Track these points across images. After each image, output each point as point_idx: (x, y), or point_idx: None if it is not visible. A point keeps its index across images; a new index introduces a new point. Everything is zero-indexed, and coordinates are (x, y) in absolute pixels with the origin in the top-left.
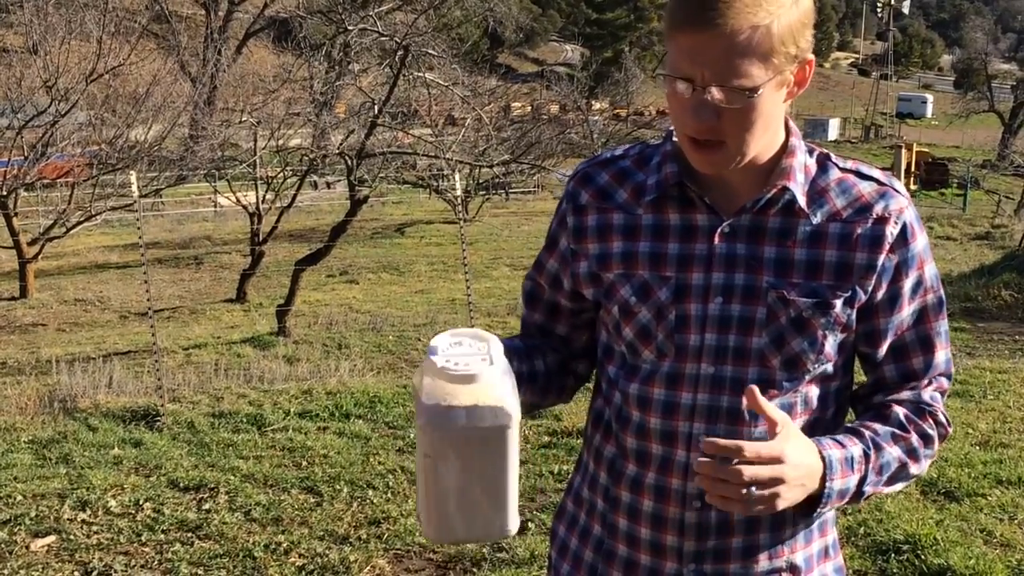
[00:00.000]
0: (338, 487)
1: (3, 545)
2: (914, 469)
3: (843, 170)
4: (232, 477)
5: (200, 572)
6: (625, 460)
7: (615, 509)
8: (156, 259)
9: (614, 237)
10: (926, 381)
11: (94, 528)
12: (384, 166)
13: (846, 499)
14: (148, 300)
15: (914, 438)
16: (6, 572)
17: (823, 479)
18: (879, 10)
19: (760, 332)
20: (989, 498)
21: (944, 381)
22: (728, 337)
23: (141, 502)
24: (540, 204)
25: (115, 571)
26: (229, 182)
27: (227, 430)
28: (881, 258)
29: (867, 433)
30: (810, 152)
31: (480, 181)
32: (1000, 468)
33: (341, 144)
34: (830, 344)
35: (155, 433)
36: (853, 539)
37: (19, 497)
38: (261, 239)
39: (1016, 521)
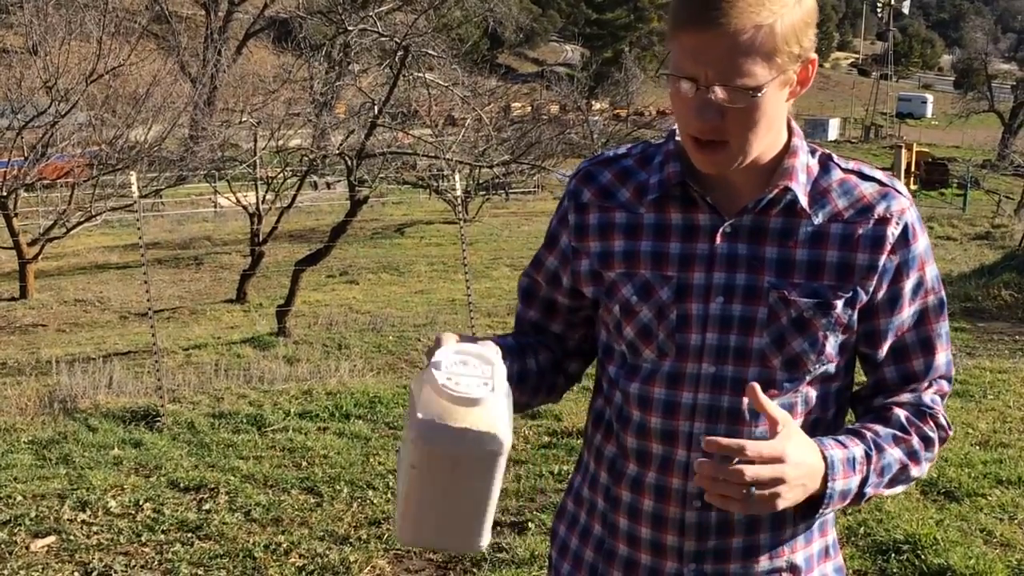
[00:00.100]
0: (338, 487)
1: (3, 545)
2: (915, 471)
3: (845, 171)
4: (232, 477)
5: (200, 572)
6: (626, 460)
7: (615, 509)
8: (156, 259)
9: (616, 236)
10: (926, 383)
11: (94, 528)
12: (384, 166)
13: (847, 500)
14: (148, 300)
15: (915, 440)
16: (6, 572)
17: (825, 479)
18: (879, 10)
19: (761, 332)
20: (989, 498)
21: (944, 384)
22: (729, 337)
23: (141, 502)
24: (540, 204)
25: (115, 571)
26: (229, 182)
27: (227, 430)
28: (882, 259)
29: (868, 434)
30: (812, 152)
31: (480, 181)
32: (1000, 468)
33: (341, 144)
34: (831, 345)
35: (155, 433)
36: (853, 539)
37: (19, 497)
38: (261, 239)
39: (1016, 521)
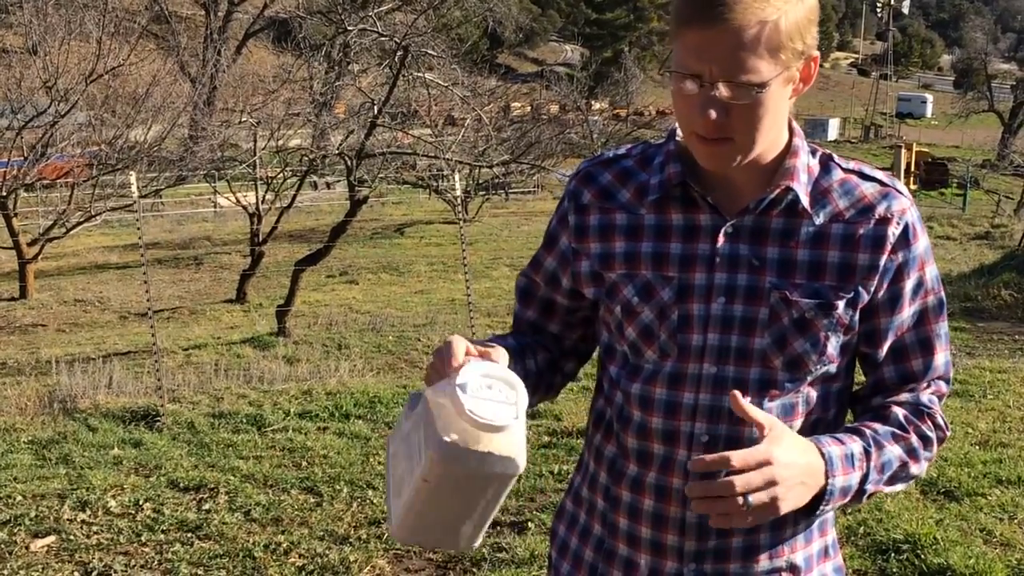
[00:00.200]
0: (338, 487)
1: (3, 545)
2: (914, 469)
3: (846, 171)
4: (232, 477)
5: (200, 572)
6: (626, 460)
7: (615, 509)
8: (156, 259)
9: (616, 237)
10: (925, 383)
11: (94, 528)
12: (384, 166)
13: (848, 497)
14: (148, 300)
15: (914, 439)
16: (6, 572)
17: (825, 476)
18: (879, 10)
19: (762, 332)
20: (989, 497)
21: (943, 384)
22: (730, 337)
23: (141, 502)
24: (540, 204)
25: (115, 571)
26: (229, 182)
27: (227, 430)
28: (883, 259)
29: (868, 432)
30: (813, 153)
31: (480, 181)
32: (1000, 468)
33: (341, 144)
34: (832, 345)
35: (155, 433)
36: (853, 539)
37: (19, 497)
38: (261, 239)
39: (1016, 520)
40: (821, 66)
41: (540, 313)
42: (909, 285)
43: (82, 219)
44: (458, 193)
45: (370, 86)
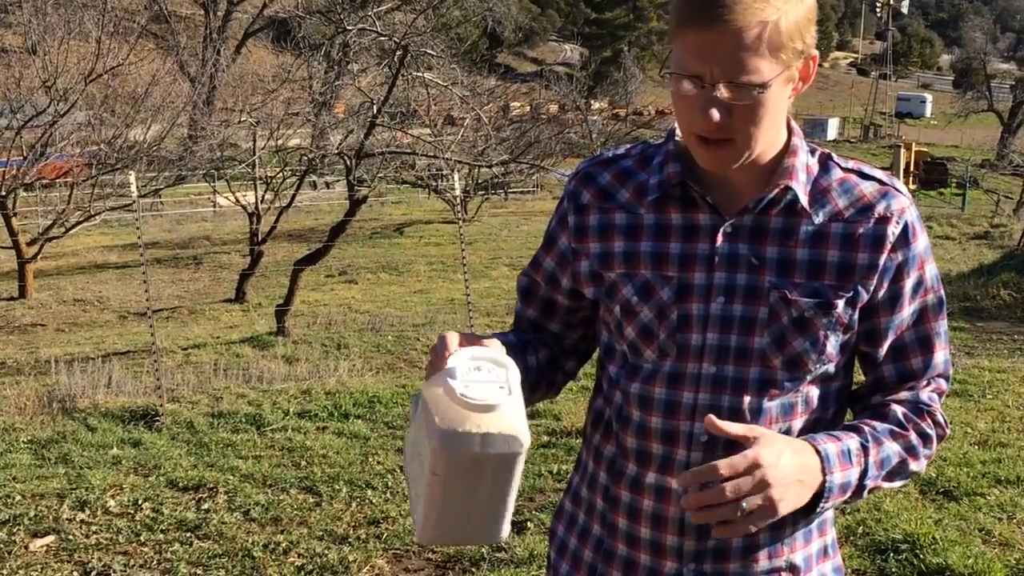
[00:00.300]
0: (337, 487)
1: (2, 545)
2: (913, 466)
3: (845, 170)
4: (231, 477)
5: (199, 572)
6: (625, 460)
7: (614, 509)
8: (155, 259)
9: (616, 237)
10: (924, 382)
11: (93, 528)
12: (383, 166)
13: (848, 493)
14: (147, 300)
15: (913, 436)
16: (5, 572)
17: (823, 474)
18: (878, 10)
19: (762, 332)
20: (988, 497)
21: (943, 383)
22: (730, 337)
23: (140, 502)
24: (539, 204)
25: (114, 571)
26: (228, 182)
27: (226, 430)
28: (883, 258)
29: (866, 429)
30: (812, 152)
31: (479, 181)
32: (999, 467)
33: (340, 144)
34: (831, 344)
35: (154, 433)
36: (852, 538)
37: (18, 497)
38: (260, 239)
39: (1015, 520)
40: (820, 66)
41: (541, 312)
42: (909, 284)
43: (81, 219)
44: (457, 193)
45: (369, 86)
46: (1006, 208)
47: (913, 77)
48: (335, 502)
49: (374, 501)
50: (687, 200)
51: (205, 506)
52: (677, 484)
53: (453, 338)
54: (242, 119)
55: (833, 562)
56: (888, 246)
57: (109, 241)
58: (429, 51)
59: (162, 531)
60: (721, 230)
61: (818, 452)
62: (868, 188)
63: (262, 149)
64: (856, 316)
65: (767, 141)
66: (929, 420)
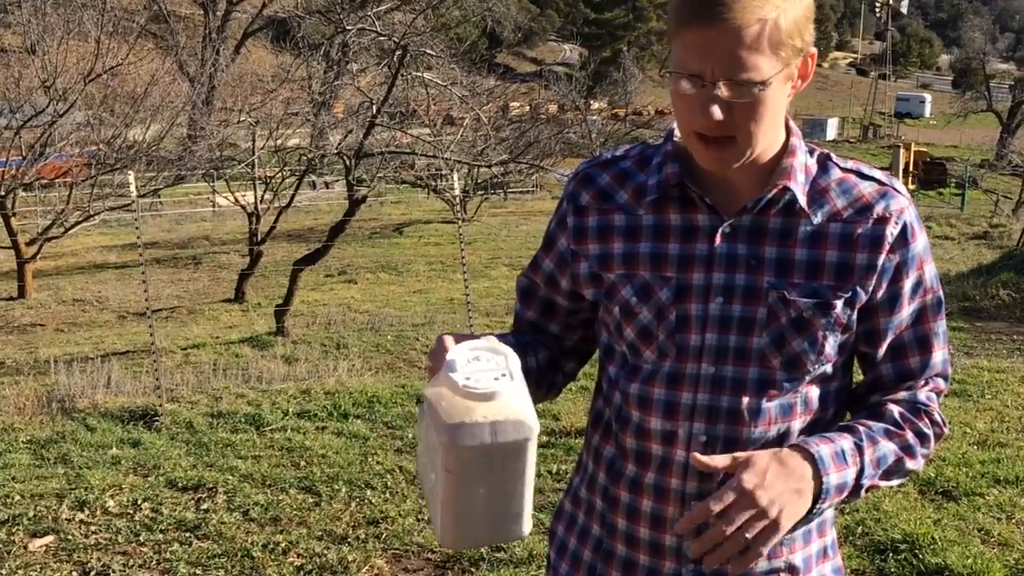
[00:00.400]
0: (336, 487)
1: (1, 545)
2: (910, 464)
3: (844, 170)
4: (230, 477)
5: (198, 572)
6: (624, 460)
7: (614, 509)
8: (154, 259)
9: (615, 238)
10: (922, 381)
11: (92, 528)
12: (382, 166)
13: (846, 493)
14: (146, 300)
15: (909, 435)
16: (4, 572)
17: (819, 476)
18: (877, 10)
19: (760, 332)
20: (987, 497)
21: (941, 382)
22: (729, 337)
23: (139, 502)
24: (538, 204)
25: (113, 571)
26: (227, 182)
27: (225, 430)
28: (881, 258)
29: (861, 429)
30: (810, 152)
31: (478, 181)
32: (998, 467)
33: (339, 144)
34: (830, 344)
35: (153, 433)
36: (851, 538)
37: (17, 497)
38: (259, 239)
39: (1014, 520)
40: (820, 66)
41: (540, 313)
42: (908, 284)
43: (80, 219)
44: (457, 192)
45: (369, 85)
46: (1005, 208)
47: (912, 77)
48: (334, 502)
49: (373, 501)
50: (686, 201)
51: (204, 506)
52: (677, 531)
53: (449, 340)
54: (241, 119)
55: (833, 563)
56: (887, 246)
57: (108, 241)
58: (428, 51)
59: (161, 531)
60: (720, 230)
61: (811, 455)
62: (867, 188)
63: (261, 149)
64: (855, 316)
65: (767, 140)
66: (926, 419)
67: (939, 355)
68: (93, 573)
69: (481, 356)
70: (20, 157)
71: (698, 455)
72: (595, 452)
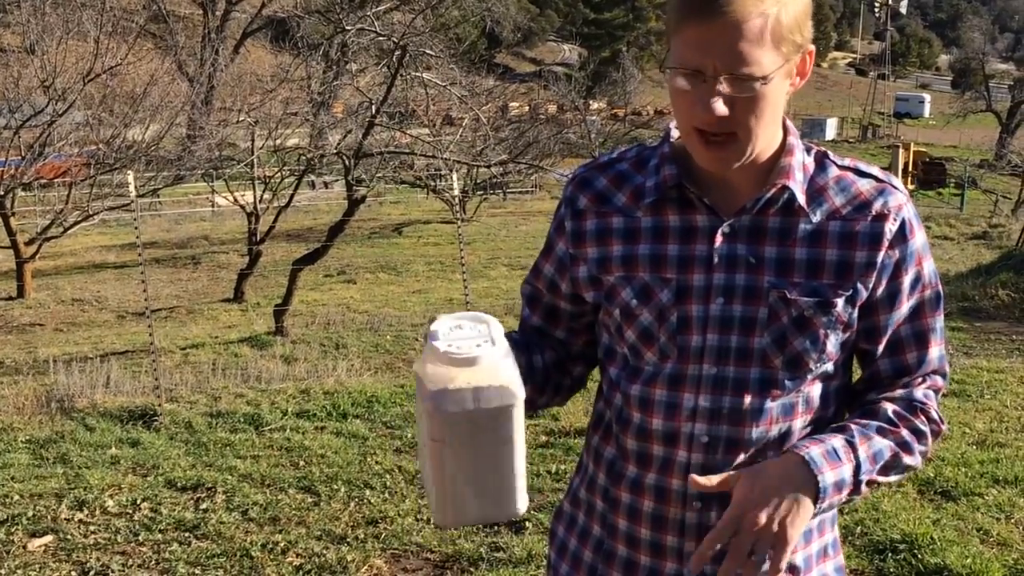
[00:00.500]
0: (335, 487)
1: (0, 545)
2: (908, 460)
3: (841, 168)
4: (229, 477)
5: (197, 572)
6: (625, 461)
7: (615, 510)
8: (153, 259)
9: (614, 240)
10: (919, 378)
11: (91, 528)
12: (382, 166)
13: (845, 490)
14: (145, 300)
15: (904, 432)
16: (3, 572)
17: (813, 477)
18: (877, 10)
19: (762, 332)
20: (986, 497)
21: (939, 379)
22: (730, 338)
23: (138, 502)
24: (538, 204)
25: (112, 571)
26: (227, 182)
27: (224, 430)
28: (881, 255)
29: (853, 427)
30: (808, 151)
31: (478, 181)
32: (997, 467)
33: (339, 144)
34: (832, 343)
35: (152, 433)
36: (850, 538)
37: (16, 497)
38: (259, 239)
39: (1013, 520)
40: (819, 65)
41: (545, 319)
42: (907, 280)
43: (80, 218)
44: (456, 193)
45: (368, 86)
46: (1004, 208)
47: (911, 77)
48: (333, 502)
49: (372, 501)
50: (684, 202)
51: (203, 506)
52: (692, 569)
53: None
54: (240, 119)
55: (834, 562)
56: (886, 243)
57: (107, 241)
58: (428, 51)
59: (160, 531)
60: (719, 231)
61: (803, 458)
62: (865, 185)
63: (260, 149)
64: (855, 314)
65: (767, 137)
66: (923, 417)
67: (935, 351)
68: (92, 573)
69: (464, 325)
70: (19, 157)
71: (696, 477)
72: (595, 453)
